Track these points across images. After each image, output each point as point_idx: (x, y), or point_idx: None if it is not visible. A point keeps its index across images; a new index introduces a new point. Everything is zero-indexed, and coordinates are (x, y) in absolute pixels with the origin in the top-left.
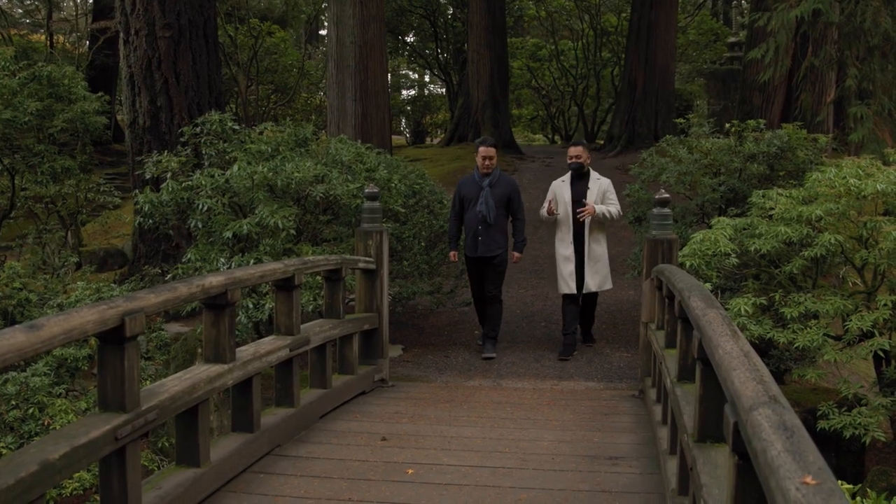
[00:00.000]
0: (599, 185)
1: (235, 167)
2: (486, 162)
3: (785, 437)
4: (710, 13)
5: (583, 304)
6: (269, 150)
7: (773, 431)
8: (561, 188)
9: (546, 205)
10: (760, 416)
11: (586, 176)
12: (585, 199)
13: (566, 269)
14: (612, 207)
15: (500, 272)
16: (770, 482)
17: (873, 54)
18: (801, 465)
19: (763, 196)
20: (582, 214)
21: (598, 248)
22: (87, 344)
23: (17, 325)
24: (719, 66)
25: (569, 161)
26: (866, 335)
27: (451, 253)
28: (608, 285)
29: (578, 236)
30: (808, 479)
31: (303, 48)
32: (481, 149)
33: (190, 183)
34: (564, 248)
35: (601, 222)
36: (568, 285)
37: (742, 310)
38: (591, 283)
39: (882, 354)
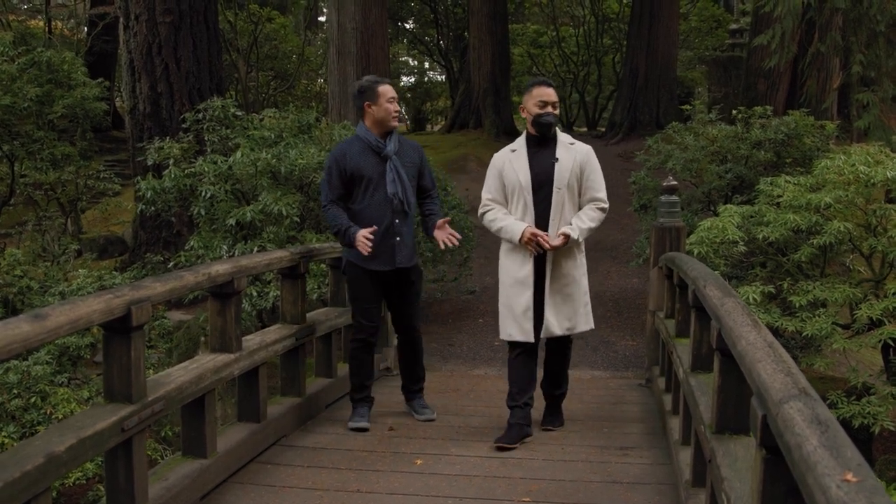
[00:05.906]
0: (574, 156)
1: (238, 154)
2: (396, 107)
3: (820, 432)
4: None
5: (547, 358)
6: (273, 136)
7: (806, 426)
8: (511, 164)
9: (487, 206)
10: (792, 409)
11: (552, 141)
12: (553, 181)
13: (519, 300)
14: (591, 214)
15: (420, 288)
16: (807, 479)
17: (878, 40)
18: (839, 462)
19: (771, 183)
20: (554, 241)
21: (568, 266)
22: (90, 332)
23: (21, 315)
24: (721, 53)
25: (537, 114)
26: (875, 324)
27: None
28: (583, 326)
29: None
30: (849, 476)
31: (302, 34)
32: (383, 88)
33: (193, 169)
34: (518, 267)
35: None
36: (521, 328)
37: (750, 298)
38: (555, 324)
39: (891, 343)
